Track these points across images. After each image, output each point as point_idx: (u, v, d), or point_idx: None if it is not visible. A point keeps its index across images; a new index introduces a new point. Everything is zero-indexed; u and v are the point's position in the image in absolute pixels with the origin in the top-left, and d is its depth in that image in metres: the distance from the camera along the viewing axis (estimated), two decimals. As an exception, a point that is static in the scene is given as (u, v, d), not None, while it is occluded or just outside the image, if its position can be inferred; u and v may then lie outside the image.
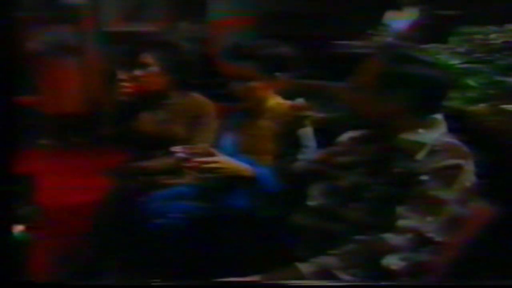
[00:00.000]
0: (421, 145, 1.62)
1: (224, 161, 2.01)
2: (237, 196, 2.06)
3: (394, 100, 1.64)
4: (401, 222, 1.54)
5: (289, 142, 2.24)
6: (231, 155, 2.25)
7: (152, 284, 1.54)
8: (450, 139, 1.66)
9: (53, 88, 5.49)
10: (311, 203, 1.81)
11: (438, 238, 1.54)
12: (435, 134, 1.66)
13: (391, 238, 1.53)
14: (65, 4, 5.70)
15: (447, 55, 2.50)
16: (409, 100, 1.63)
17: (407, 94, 1.63)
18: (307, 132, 2.27)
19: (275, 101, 2.31)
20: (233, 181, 2.01)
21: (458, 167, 1.57)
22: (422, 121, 1.66)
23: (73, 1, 5.73)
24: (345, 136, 1.91)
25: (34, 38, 5.27)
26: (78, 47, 5.71)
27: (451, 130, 1.69)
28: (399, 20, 5.71)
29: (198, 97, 2.69)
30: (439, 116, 1.70)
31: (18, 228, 2.41)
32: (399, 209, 1.55)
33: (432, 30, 4.48)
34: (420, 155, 1.61)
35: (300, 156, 2.20)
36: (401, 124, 1.66)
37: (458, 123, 1.81)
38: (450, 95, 2.18)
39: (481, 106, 2.28)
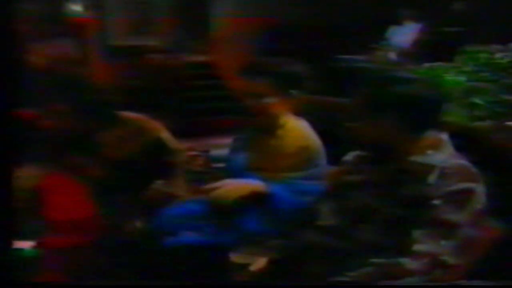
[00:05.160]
0: (430, 167, 1.63)
1: (230, 184, 2.06)
2: (249, 215, 2.09)
3: (385, 121, 1.66)
4: (416, 247, 1.56)
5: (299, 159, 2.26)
6: (241, 172, 2.31)
7: (152, 284, 1.54)
8: (460, 161, 1.66)
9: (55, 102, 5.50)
10: (323, 222, 1.83)
11: (451, 261, 1.55)
12: (443, 155, 1.66)
13: (407, 262, 1.55)
14: (69, 17, 5.75)
15: (454, 73, 2.53)
16: (399, 120, 1.65)
17: (396, 114, 1.64)
18: (318, 149, 2.29)
19: (287, 118, 2.34)
20: (246, 199, 2.03)
21: (470, 191, 1.59)
22: (419, 138, 1.67)
23: (77, 15, 5.78)
24: (351, 155, 1.90)
25: (37, 51, 5.29)
26: (81, 61, 5.73)
27: (459, 148, 1.70)
28: (402, 36, 5.74)
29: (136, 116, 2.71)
30: (444, 136, 1.71)
31: (28, 244, 2.44)
32: (414, 233, 1.57)
33: (435, 47, 4.51)
34: (431, 178, 1.62)
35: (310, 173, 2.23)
36: (400, 144, 1.67)
37: (465, 141, 1.82)
38: (457, 112, 2.20)
39: (488, 124, 2.30)
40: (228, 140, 2.88)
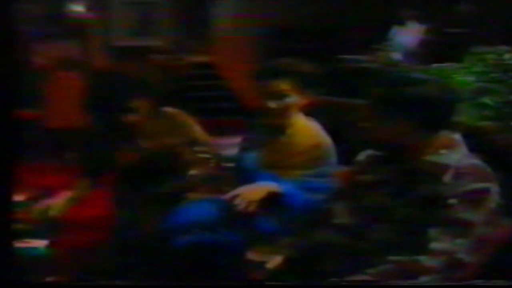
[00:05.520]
0: (445, 166, 1.66)
1: (247, 190, 2.11)
2: (265, 215, 2.13)
3: (400, 120, 1.69)
4: (433, 245, 1.59)
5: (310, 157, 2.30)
6: (253, 171, 2.34)
7: (152, 284, 1.55)
8: (474, 161, 1.70)
9: (56, 103, 5.53)
10: (338, 220, 1.86)
11: (467, 259, 1.59)
12: (457, 155, 1.70)
13: (425, 260, 1.58)
14: (71, 19, 5.77)
15: (462, 74, 2.56)
16: (414, 119, 1.67)
17: (411, 114, 1.67)
18: (329, 147, 2.32)
19: (297, 117, 2.36)
20: (263, 202, 2.08)
21: (485, 191, 1.62)
22: (432, 138, 1.70)
23: (79, 17, 5.80)
24: (364, 155, 1.94)
25: (39, 52, 5.32)
26: (84, 62, 5.74)
27: (470, 148, 1.73)
28: (405, 37, 5.76)
29: (174, 111, 2.74)
30: (457, 136, 1.74)
31: (42, 243, 2.46)
32: (430, 232, 1.60)
33: (440, 48, 4.54)
34: (446, 178, 1.65)
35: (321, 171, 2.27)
36: (414, 144, 1.70)
37: (475, 140, 1.84)
38: (467, 113, 2.22)
39: (497, 124, 2.33)
40: (229, 140, 2.92)
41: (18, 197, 2.55)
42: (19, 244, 2.37)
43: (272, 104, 2.27)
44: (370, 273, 1.62)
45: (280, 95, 2.27)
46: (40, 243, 2.44)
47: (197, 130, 2.77)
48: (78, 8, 5.78)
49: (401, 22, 5.83)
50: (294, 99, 2.29)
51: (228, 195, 2.14)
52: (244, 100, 6.54)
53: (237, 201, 2.12)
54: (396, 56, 5.39)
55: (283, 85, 2.26)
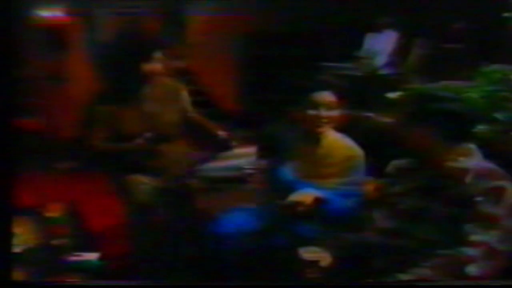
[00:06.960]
0: (464, 170, 1.97)
1: (298, 196, 2.33)
2: (310, 218, 2.37)
3: (427, 132, 2.00)
4: (472, 237, 1.88)
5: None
6: (291, 180, 2.55)
7: (152, 284, 1.67)
8: (489, 164, 2.01)
9: (53, 112, 5.57)
10: (381, 224, 2.12)
11: (501, 248, 1.88)
12: (474, 161, 2.01)
13: (468, 251, 1.87)
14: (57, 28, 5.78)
15: (472, 92, 2.83)
16: (439, 131, 1.98)
17: (437, 127, 1.98)
18: (361, 157, 2.56)
19: (330, 130, 2.59)
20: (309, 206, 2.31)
21: (502, 188, 1.91)
22: (455, 148, 2.00)
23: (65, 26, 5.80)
24: (392, 165, 2.23)
25: (34, 62, 5.34)
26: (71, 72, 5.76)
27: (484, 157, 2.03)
28: (381, 44, 5.99)
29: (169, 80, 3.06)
30: (472, 146, 2.05)
31: (93, 256, 2.61)
32: (466, 227, 1.89)
33: (436, 62, 4.76)
34: (468, 179, 1.94)
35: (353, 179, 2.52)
36: (438, 152, 2.00)
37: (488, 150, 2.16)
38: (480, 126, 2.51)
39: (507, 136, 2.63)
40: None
41: (49, 213, 2.71)
42: (72, 258, 2.52)
43: (322, 114, 2.49)
44: (423, 266, 1.90)
45: (326, 107, 2.49)
46: (91, 256, 2.57)
47: (188, 102, 3.08)
48: (63, 17, 5.80)
49: (374, 29, 6.02)
50: (336, 111, 2.53)
51: (286, 203, 2.34)
52: (222, 105, 6.69)
53: (294, 208, 2.32)
54: (378, 63, 5.61)
55: (330, 97, 2.50)
